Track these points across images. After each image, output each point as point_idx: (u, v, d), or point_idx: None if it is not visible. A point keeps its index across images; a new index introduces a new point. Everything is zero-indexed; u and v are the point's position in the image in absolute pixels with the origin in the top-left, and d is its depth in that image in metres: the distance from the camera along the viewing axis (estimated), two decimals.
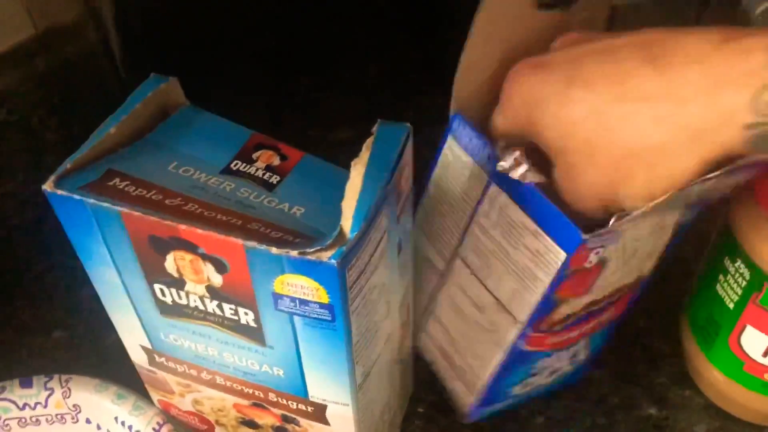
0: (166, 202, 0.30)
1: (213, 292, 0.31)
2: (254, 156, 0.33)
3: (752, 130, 0.28)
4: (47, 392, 0.40)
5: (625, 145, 0.30)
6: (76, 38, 0.49)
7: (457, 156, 0.36)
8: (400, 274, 0.35)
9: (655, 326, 0.46)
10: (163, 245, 0.30)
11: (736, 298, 0.40)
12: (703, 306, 0.42)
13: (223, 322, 0.33)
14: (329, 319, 0.30)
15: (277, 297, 0.30)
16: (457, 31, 0.58)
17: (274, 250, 0.28)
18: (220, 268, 0.30)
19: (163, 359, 0.37)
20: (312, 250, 0.27)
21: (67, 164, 0.30)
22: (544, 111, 0.32)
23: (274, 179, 0.32)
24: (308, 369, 0.33)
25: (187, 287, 0.32)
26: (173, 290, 0.32)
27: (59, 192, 0.30)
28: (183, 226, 0.29)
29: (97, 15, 0.43)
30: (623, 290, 0.37)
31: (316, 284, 0.28)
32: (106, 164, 0.31)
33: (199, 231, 0.29)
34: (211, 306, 0.32)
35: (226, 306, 0.32)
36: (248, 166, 0.33)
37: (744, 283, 0.39)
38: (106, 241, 0.31)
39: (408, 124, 0.31)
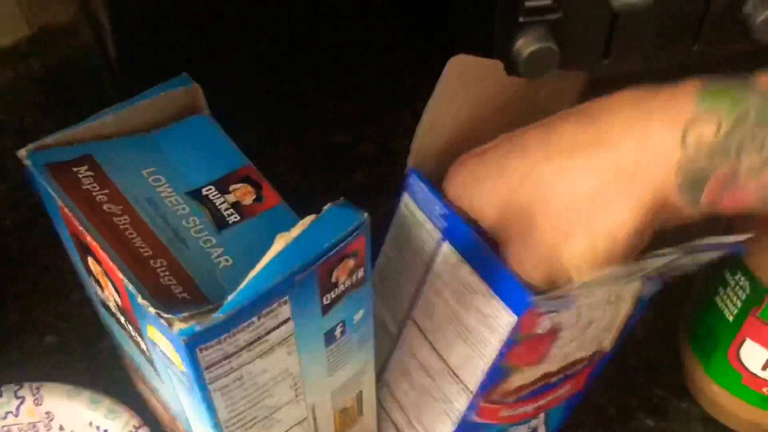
0: (105, 206, 0.30)
1: (118, 309, 0.30)
2: (231, 188, 0.32)
3: (682, 169, 0.28)
4: (18, 401, 0.40)
5: (560, 200, 0.30)
6: (70, 38, 0.48)
7: (411, 212, 0.35)
8: (334, 361, 0.32)
9: (653, 337, 0.46)
10: (83, 248, 0.30)
11: (735, 311, 0.39)
12: (702, 318, 0.42)
13: (134, 339, 0.31)
14: (188, 386, 0.28)
15: (150, 342, 0.28)
16: (455, 35, 0.58)
17: (139, 298, 0.26)
18: (117, 289, 0.29)
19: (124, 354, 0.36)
20: (165, 315, 0.25)
21: (49, 138, 0.30)
22: (482, 186, 0.32)
23: (232, 219, 0.31)
24: (191, 421, 0.31)
25: (102, 295, 0.31)
26: (99, 291, 0.31)
27: (25, 162, 0.30)
28: (89, 238, 0.28)
29: (93, 15, 0.42)
30: (581, 363, 0.35)
31: (171, 348, 0.26)
32: (87, 149, 0.31)
33: (99, 249, 0.28)
34: (123, 321, 0.31)
35: (129, 327, 0.31)
36: (218, 196, 0.31)
37: (744, 296, 0.39)
38: (56, 221, 0.31)
39: (365, 215, 0.28)
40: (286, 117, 0.60)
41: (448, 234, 0.33)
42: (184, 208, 0.31)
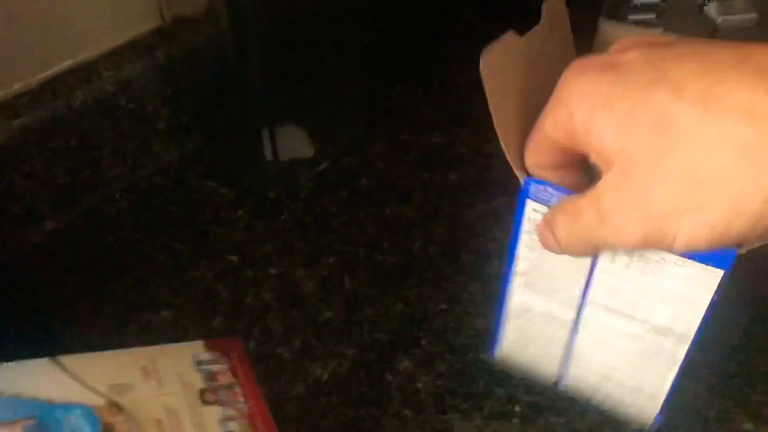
0: None
1: None
2: None
3: None
4: None
5: (713, 169, 0.26)
6: (202, 30, 0.51)
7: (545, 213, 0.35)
8: None
9: (751, 343, 0.47)
10: None
11: None
12: None
13: None
14: None
15: None
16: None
17: None
18: None
19: None
20: None
21: None
22: (611, 111, 0.27)
23: None
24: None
25: None
26: None
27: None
28: None
29: (235, 9, 0.45)
30: None
31: None
32: None
33: None
34: None
35: None
36: None
37: None
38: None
39: None
40: (382, 118, 0.63)
41: None
42: None
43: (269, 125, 0.52)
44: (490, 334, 0.48)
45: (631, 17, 0.52)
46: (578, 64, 0.30)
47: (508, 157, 0.33)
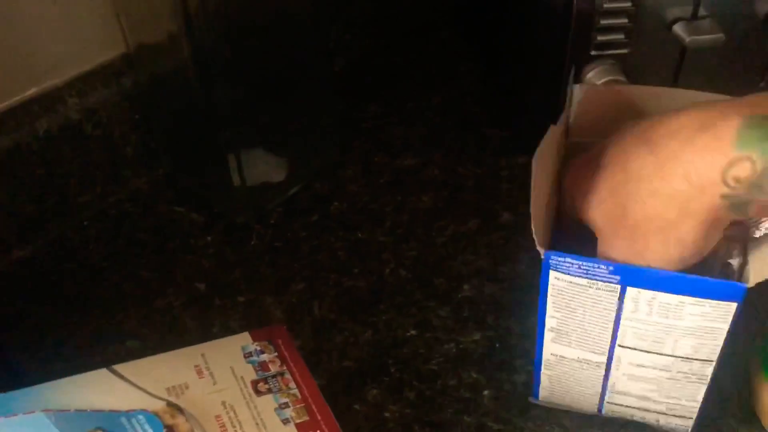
0: None
1: None
2: None
3: (726, 197, 0.34)
4: None
5: (634, 216, 0.37)
6: (165, 57, 0.51)
7: (570, 282, 0.38)
8: None
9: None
10: None
11: None
12: None
13: None
14: None
15: None
16: (518, 67, 0.60)
17: None
18: None
19: None
20: None
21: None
22: (583, 196, 0.39)
23: None
24: None
25: None
26: None
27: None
28: None
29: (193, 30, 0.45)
30: None
31: None
32: None
33: None
34: None
35: None
36: None
37: None
38: None
39: None
40: (355, 140, 0.62)
41: (626, 281, 0.37)
42: None
43: (235, 150, 0.52)
44: (459, 360, 0.48)
45: (600, 38, 0.52)
46: (572, 162, 0.42)
47: (535, 235, 0.37)
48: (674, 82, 0.55)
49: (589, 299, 0.39)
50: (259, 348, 0.42)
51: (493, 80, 0.67)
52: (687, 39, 0.51)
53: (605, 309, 0.39)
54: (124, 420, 0.36)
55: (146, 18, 0.50)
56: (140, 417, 0.37)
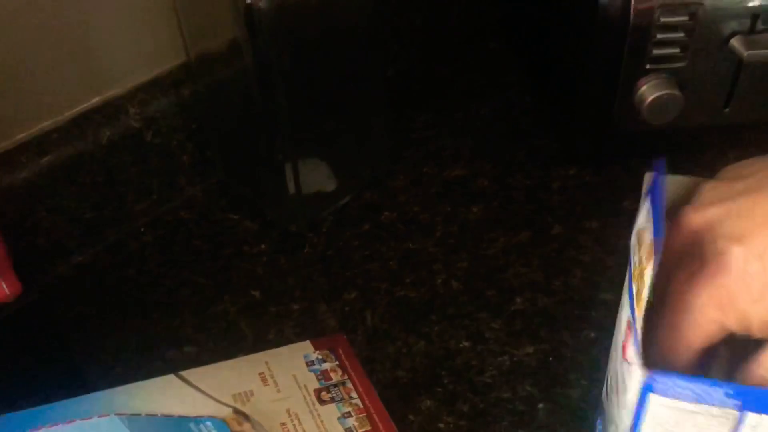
0: None
1: None
2: None
3: None
4: None
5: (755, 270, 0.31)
6: (225, 67, 0.52)
7: (676, 408, 0.33)
8: None
9: None
10: None
11: None
12: None
13: None
14: None
15: None
16: (569, 78, 0.60)
17: None
18: None
19: None
20: None
21: None
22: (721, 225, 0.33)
23: None
24: None
25: None
26: None
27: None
28: None
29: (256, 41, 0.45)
30: None
31: None
32: None
33: None
34: None
35: None
36: None
37: None
38: None
39: None
40: (405, 151, 0.63)
41: (749, 406, 0.31)
42: None
43: (292, 159, 0.53)
44: (513, 373, 0.48)
45: (656, 52, 0.52)
46: (697, 202, 0.35)
47: (641, 354, 0.32)
48: (730, 96, 0.55)
49: (694, 428, 0.33)
50: (320, 357, 0.43)
51: (542, 90, 0.67)
52: (745, 53, 0.51)
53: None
54: (192, 426, 0.37)
55: (208, 28, 0.51)
56: (208, 423, 0.37)
